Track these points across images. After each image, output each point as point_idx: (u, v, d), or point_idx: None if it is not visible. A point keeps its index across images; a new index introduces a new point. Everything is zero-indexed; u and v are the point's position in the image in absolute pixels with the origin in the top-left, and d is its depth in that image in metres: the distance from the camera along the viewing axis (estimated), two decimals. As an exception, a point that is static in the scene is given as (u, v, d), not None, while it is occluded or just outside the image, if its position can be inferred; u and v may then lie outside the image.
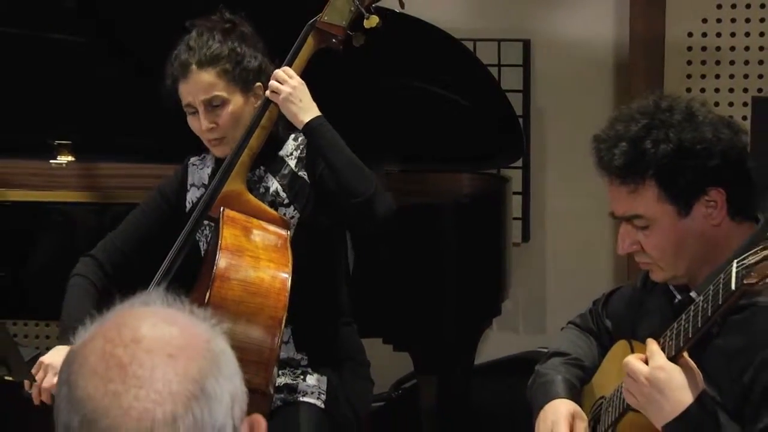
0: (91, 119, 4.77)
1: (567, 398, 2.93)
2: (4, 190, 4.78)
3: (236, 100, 3.54)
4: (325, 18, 3.52)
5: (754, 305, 2.58)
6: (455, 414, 4.54)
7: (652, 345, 2.55)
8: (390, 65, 4.50)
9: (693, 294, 2.66)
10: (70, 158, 4.84)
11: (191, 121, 3.57)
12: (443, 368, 4.52)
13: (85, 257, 3.70)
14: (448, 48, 4.53)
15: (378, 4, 3.51)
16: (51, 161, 4.84)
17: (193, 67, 3.51)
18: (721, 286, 2.41)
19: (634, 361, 2.56)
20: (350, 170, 3.45)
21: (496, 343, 5.06)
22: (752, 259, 2.34)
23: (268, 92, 3.48)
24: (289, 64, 3.53)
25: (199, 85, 3.51)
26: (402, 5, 3.57)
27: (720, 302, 2.41)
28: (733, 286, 2.36)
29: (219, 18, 3.60)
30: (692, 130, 2.63)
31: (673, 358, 2.58)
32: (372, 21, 3.49)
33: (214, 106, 3.52)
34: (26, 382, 3.42)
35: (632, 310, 2.99)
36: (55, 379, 3.40)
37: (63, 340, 3.53)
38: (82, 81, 4.63)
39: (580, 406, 2.95)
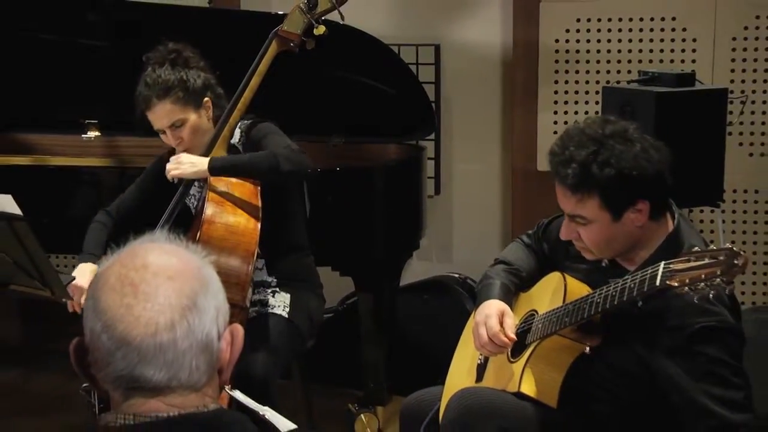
0: (113, 104, 4.72)
1: (500, 300, 2.91)
2: (47, 157, 4.75)
3: (192, 118, 3.51)
4: (285, 27, 3.51)
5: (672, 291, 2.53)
6: (385, 321, 4.55)
7: None
8: (335, 63, 4.48)
9: (621, 261, 2.68)
10: (97, 133, 4.80)
11: (163, 138, 3.56)
12: (377, 288, 4.51)
13: (102, 211, 3.74)
14: (378, 51, 4.51)
15: (325, 17, 3.51)
16: (82, 135, 4.80)
17: (154, 100, 3.47)
18: (648, 277, 2.39)
19: None
20: (255, 170, 3.42)
21: (415, 270, 5.07)
22: (677, 266, 2.33)
23: (171, 175, 3.43)
24: (258, 64, 3.51)
25: (161, 113, 3.49)
26: (342, 18, 3.55)
27: (644, 290, 2.40)
28: (657, 282, 2.36)
29: (165, 49, 3.55)
30: (630, 159, 2.57)
31: (597, 313, 2.59)
32: (320, 29, 3.48)
33: (176, 126, 3.50)
34: (69, 303, 3.42)
35: (564, 241, 2.88)
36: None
37: (82, 259, 3.56)
38: (106, 74, 4.58)
39: (512, 305, 2.94)
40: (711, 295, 2.30)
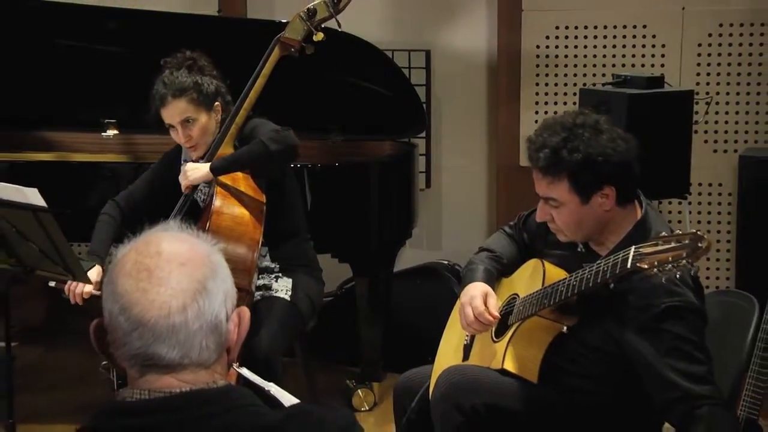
0: (130, 105, 4.71)
1: (484, 282, 2.90)
2: (70, 153, 4.76)
3: (202, 117, 3.50)
4: (287, 34, 3.50)
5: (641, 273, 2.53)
6: (380, 304, 4.55)
7: None
8: (334, 67, 4.47)
9: (594, 247, 2.66)
10: (115, 132, 4.79)
11: (173, 134, 3.55)
12: (372, 273, 4.52)
13: (111, 201, 3.72)
14: (373, 55, 4.51)
15: (323, 24, 3.50)
16: (102, 134, 4.79)
17: (169, 97, 3.47)
18: (620, 260, 2.40)
19: None
20: (250, 160, 3.43)
21: (408, 257, 5.07)
22: (646, 250, 2.33)
23: (184, 186, 3.46)
24: (262, 68, 3.51)
25: (175, 110, 3.48)
26: (339, 25, 3.55)
27: (617, 272, 2.41)
28: (628, 265, 2.36)
29: (183, 56, 3.54)
30: (597, 146, 2.59)
31: (573, 295, 2.59)
32: (319, 36, 3.47)
33: (187, 123, 3.48)
34: (66, 289, 3.44)
35: (542, 230, 2.91)
36: (85, 288, 3.40)
37: (89, 258, 3.56)
38: (124, 78, 4.57)
39: (495, 288, 2.93)
40: (677, 276, 2.31)
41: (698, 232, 2.29)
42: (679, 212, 4.76)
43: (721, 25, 4.68)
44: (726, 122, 4.73)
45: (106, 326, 1.48)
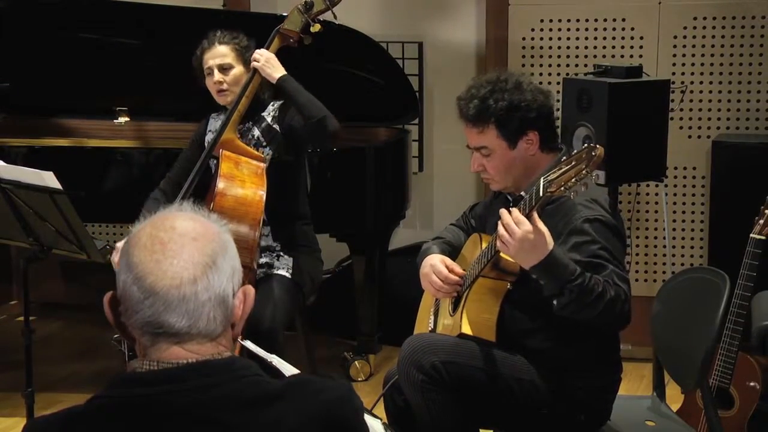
0: (142, 94, 4.73)
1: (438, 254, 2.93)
2: (84, 139, 4.76)
3: (238, 68, 3.56)
4: (286, 26, 3.51)
5: (560, 199, 2.63)
6: (375, 280, 4.57)
7: (517, 212, 2.48)
8: (331, 57, 4.47)
9: (522, 194, 2.61)
10: (127, 119, 4.80)
11: (208, 80, 3.59)
12: (368, 252, 4.54)
13: (156, 189, 3.72)
14: (369, 47, 4.51)
15: (321, 16, 3.50)
16: (114, 121, 4.79)
17: (216, 42, 3.56)
18: (533, 192, 2.44)
19: (511, 221, 2.48)
20: (308, 103, 3.47)
21: (401, 236, 5.07)
22: (553, 176, 2.38)
23: (252, 64, 3.51)
24: None
25: (218, 53, 3.56)
26: (336, 18, 3.55)
27: (533, 203, 2.44)
28: (540, 194, 2.41)
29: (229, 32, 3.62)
30: (519, 94, 2.68)
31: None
32: (316, 28, 3.48)
33: (224, 68, 3.54)
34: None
35: (486, 211, 2.99)
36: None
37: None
38: (136, 68, 4.59)
39: None
40: (583, 189, 2.37)
41: (590, 144, 2.35)
42: (656, 194, 4.77)
43: (695, 18, 4.68)
44: (700, 110, 4.74)
45: (119, 297, 1.49)
